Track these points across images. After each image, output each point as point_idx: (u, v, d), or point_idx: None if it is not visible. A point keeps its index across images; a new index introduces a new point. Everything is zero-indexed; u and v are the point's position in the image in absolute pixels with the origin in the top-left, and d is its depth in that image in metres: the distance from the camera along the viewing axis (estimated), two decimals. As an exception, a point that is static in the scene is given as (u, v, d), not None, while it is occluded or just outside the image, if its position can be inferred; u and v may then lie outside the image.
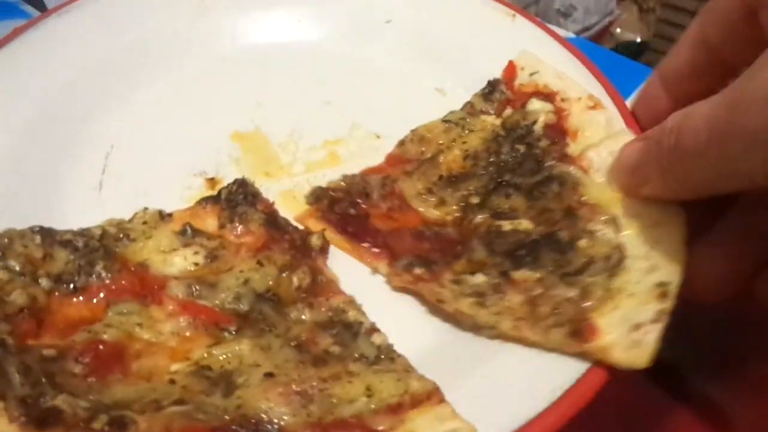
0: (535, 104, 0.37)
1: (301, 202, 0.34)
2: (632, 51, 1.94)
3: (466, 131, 0.37)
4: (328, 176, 0.36)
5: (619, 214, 0.30)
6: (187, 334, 0.26)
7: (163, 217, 0.31)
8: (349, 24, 0.44)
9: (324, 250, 0.32)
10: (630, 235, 0.30)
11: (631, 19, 1.90)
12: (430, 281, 0.30)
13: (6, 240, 0.27)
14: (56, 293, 0.27)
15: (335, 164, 0.36)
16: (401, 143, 0.36)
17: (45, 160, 0.34)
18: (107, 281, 0.28)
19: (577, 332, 0.27)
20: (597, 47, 0.54)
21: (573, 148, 0.34)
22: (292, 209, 0.34)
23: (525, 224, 0.32)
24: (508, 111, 0.38)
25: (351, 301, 0.29)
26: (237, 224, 0.31)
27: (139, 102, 0.38)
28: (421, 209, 0.34)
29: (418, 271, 0.30)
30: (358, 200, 0.34)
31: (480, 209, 0.33)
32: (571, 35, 0.54)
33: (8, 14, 0.51)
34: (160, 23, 0.41)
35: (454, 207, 0.34)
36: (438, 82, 0.42)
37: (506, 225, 0.32)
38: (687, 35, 0.34)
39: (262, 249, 0.30)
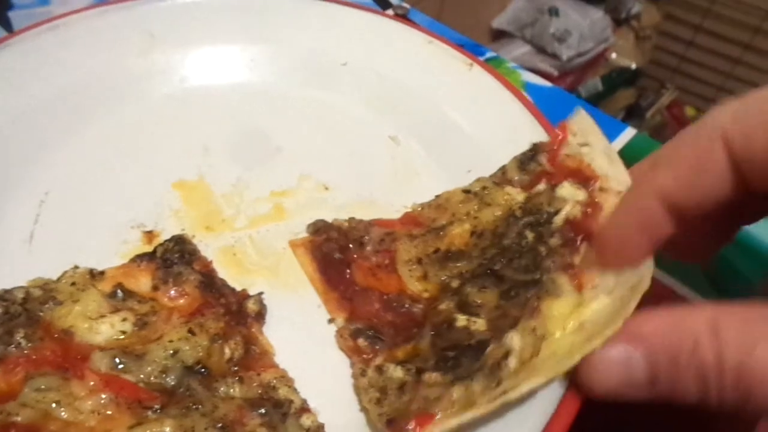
0: (566, 189, 0.31)
1: (241, 259, 0.33)
2: (626, 77, 1.96)
3: (484, 204, 0.34)
4: (271, 231, 0.35)
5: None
6: (108, 412, 0.25)
7: (94, 275, 0.30)
8: (305, 65, 0.43)
9: (260, 315, 0.31)
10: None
11: (626, 46, 1.92)
12: (364, 359, 0.29)
13: None
14: (-29, 365, 0.26)
15: (280, 218, 0.36)
16: (421, 205, 0.35)
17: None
18: (27, 351, 0.27)
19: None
20: (569, 96, 0.54)
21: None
22: (231, 268, 0.33)
23: (479, 325, 0.29)
24: (540, 186, 0.32)
25: (283, 376, 0.28)
26: (171, 286, 0.30)
27: (80, 144, 0.37)
28: (404, 277, 0.33)
29: (361, 342, 0.30)
30: (350, 245, 0.33)
31: (452, 295, 0.31)
32: (547, 84, 0.54)
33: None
34: (105, 60, 0.39)
35: (434, 285, 0.32)
36: (392, 130, 0.41)
37: (462, 320, 0.29)
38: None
39: (196, 314, 0.29)
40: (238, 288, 0.32)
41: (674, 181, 0.26)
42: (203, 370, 0.27)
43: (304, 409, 0.27)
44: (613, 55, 1.87)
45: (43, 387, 0.25)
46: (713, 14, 1.87)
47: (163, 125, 0.39)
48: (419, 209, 0.35)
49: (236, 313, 0.30)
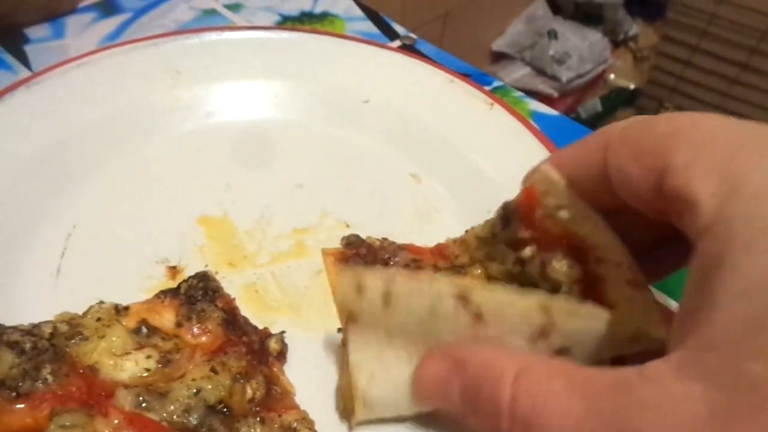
0: (558, 265, 0.28)
1: (263, 296, 0.34)
2: (625, 97, 1.98)
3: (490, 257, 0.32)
4: (293, 268, 0.35)
5: None
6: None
7: (119, 310, 0.31)
8: (327, 102, 0.44)
9: (282, 355, 0.31)
10: None
11: (625, 67, 1.94)
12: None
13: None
14: (-2, 399, 0.26)
15: (301, 255, 0.36)
16: (454, 240, 0.34)
17: (3, 238, 0.34)
18: (54, 387, 0.27)
19: None
20: (576, 125, 0.54)
21: None
22: (253, 305, 0.33)
23: None
24: (528, 251, 0.29)
25: (304, 418, 0.28)
26: (195, 323, 0.31)
27: (106, 178, 0.38)
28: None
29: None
30: (376, 263, 0.33)
31: None
32: (553, 113, 0.54)
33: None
34: (132, 96, 0.40)
35: None
36: (413, 168, 0.42)
37: None
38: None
39: (218, 351, 0.30)
40: (261, 326, 0.32)
41: (567, 159, 0.28)
42: (225, 409, 0.28)
43: (325, 450, 0.27)
44: (612, 76, 1.89)
45: (68, 424, 0.26)
46: (710, 35, 1.89)
47: (187, 160, 0.39)
48: (451, 241, 0.34)
49: (258, 352, 0.30)
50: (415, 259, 0.33)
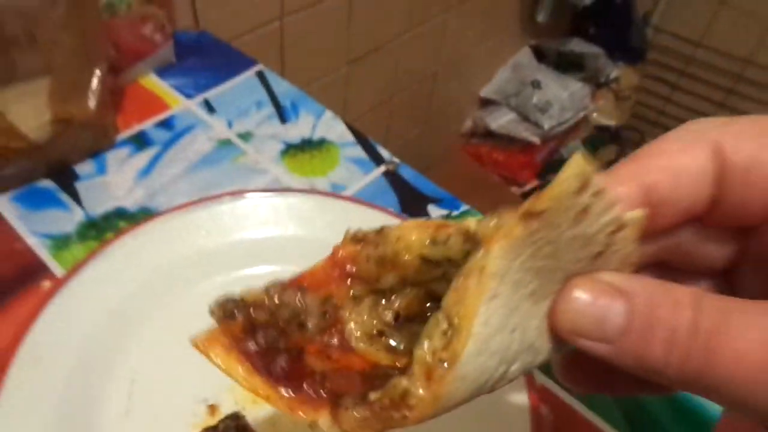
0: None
1: (284, 429, 0.45)
2: (607, 136, 2.10)
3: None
4: (301, 401, 0.47)
5: None
6: None
7: (175, 449, 0.42)
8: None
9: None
10: None
11: (607, 106, 2.06)
12: (387, 408, 0.24)
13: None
14: None
15: (307, 389, 0.48)
16: (355, 238, 0.28)
17: (88, 387, 0.45)
18: None
19: None
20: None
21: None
22: (271, 435, 0.45)
23: None
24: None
25: None
26: (230, 454, 0.42)
27: (158, 330, 0.49)
28: (368, 356, 0.28)
29: (373, 396, 0.24)
30: (288, 330, 0.27)
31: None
32: None
33: (46, 203, 0.62)
34: (172, 256, 0.52)
35: (404, 351, 0.28)
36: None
37: None
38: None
39: (249, 479, 0.41)
40: (278, 453, 0.44)
41: (657, 168, 0.25)
42: None
43: None
44: (594, 115, 2.01)
45: None
46: (689, 75, 2.02)
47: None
48: (353, 247, 0.28)
49: (277, 477, 0.42)
50: (324, 300, 0.28)
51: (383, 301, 0.29)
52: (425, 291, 0.29)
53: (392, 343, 0.29)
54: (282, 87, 0.78)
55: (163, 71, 0.77)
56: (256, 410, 0.46)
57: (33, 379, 0.44)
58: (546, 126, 1.76)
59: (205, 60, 0.80)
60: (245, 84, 0.78)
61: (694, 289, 0.23)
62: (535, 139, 1.78)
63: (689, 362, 0.22)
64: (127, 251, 0.51)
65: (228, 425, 0.43)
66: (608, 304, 0.23)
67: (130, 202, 0.63)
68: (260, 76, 0.79)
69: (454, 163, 1.84)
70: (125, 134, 0.69)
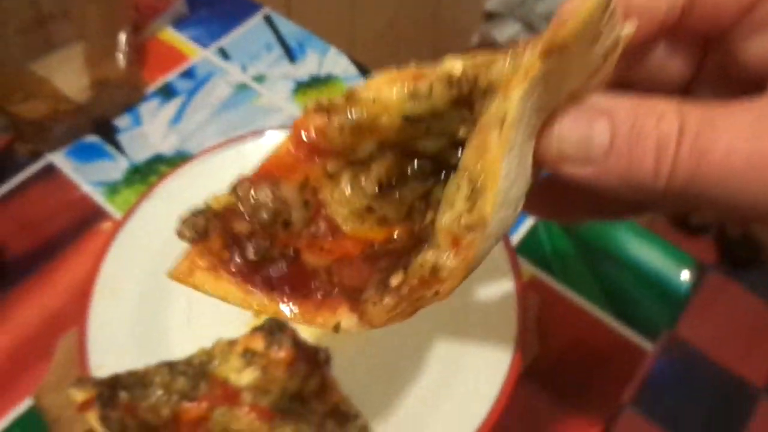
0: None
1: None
2: None
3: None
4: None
5: None
6: (256, 424, 0.48)
7: (231, 343, 0.53)
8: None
9: (328, 360, 0.53)
10: None
11: None
12: (417, 288, 0.23)
13: (151, 376, 0.49)
14: (182, 404, 0.49)
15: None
16: (320, 108, 0.26)
17: (155, 306, 0.56)
18: (207, 394, 0.50)
19: None
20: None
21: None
22: (306, 332, 0.55)
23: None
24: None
25: (345, 400, 0.51)
26: (276, 345, 0.53)
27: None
28: (360, 235, 0.26)
29: (395, 281, 0.23)
30: (275, 231, 0.25)
31: (426, 209, 0.26)
32: None
33: (95, 155, 0.71)
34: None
35: (399, 216, 0.27)
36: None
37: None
38: None
39: (292, 363, 0.52)
40: (313, 344, 0.54)
41: None
42: (299, 396, 0.50)
43: (357, 415, 0.50)
44: None
45: (221, 413, 0.49)
46: None
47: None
48: (319, 119, 0.26)
49: (313, 360, 0.53)
50: (301, 186, 0.26)
51: (361, 172, 0.27)
52: (402, 150, 0.26)
53: (384, 214, 0.26)
54: (288, 28, 0.85)
55: (178, 24, 0.84)
56: (292, 312, 0.56)
57: (111, 303, 0.55)
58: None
59: (215, 9, 0.86)
60: (254, 28, 0.85)
61: (675, 98, 0.23)
62: (542, 48, 1.80)
63: (679, 169, 0.22)
64: (170, 191, 0.60)
65: (271, 324, 0.54)
66: (591, 125, 0.23)
67: (166, 148, 0.72)
68: (267, 19, 0.86)
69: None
70: (153, 87, 0.77)
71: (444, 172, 0.26)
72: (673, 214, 1.79)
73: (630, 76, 0.29)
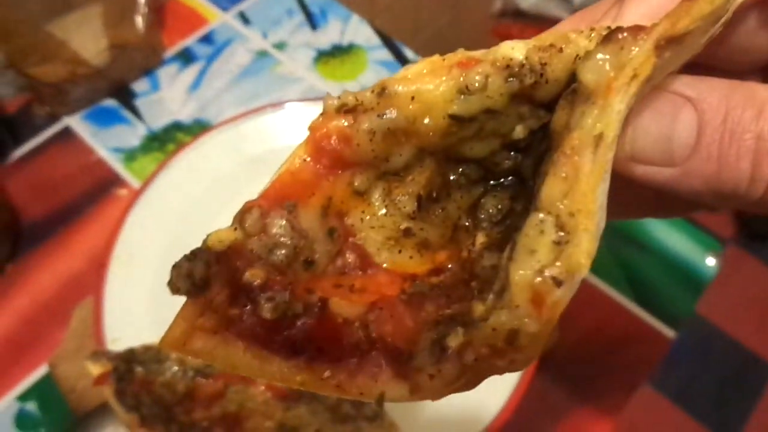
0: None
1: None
2: None
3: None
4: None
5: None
6: (271, 403, 0.48)
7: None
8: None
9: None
10: None
11: None
12: (487, 358, 0.18)
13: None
14: (197, 381, 0.49)
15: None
16: (344, 107, 0.21)
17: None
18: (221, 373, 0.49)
19: None
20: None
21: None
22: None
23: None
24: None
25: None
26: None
27: (222, 223, 0.58)
28: (398, 268, 0.21)
29: (454, 342, 0.18)
30: (290, 274, 0.20)
31: (474, 227, 0.22)
32: None
33: (112, 120, 0.70)
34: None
35: (441, 242, 0.22)
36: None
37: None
38: None
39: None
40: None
41: None
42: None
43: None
44: None
45: (236, 390, 0.48)
46: None
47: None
48: (340, 122, 0.21)
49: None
50: (324, 207, 0.21)
51: (396, 187, 0.22)
52: (445, 156, 0.22)
53: (425, 237, 0.21)
54: (310, -6, 0.82)
55: (199, -14, 0.81)
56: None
57: (128, 274, 0.54)
58: (576, 1, 1.74)
59: (236, -28, 0.84)
60: (275, -7, 0.82)
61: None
62: (566, 16, 1.76)
63: None
64: (189, 162, 0.60)
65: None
66: (675, 118, 0.19)
67: (185, 115, 0.70)
68: (289, -16, 0.83)
69: (486, 48, 1.84)
70: (171, 51, 0.76)
71: (493, 180, 0.22)
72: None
73: (710, 56, 0.23)
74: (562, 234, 0.17)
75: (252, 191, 0.62)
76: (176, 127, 0.69)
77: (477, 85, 0.20)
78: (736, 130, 0.18)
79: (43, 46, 0.62)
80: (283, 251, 0.19)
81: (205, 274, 0.19)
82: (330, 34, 0.78)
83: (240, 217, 0.20)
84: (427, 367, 0.19)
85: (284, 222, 0.20)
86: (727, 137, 0.19)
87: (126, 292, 0.54)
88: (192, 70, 0.74)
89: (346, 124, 0.20)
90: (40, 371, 0.54)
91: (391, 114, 0.20)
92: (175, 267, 0.20)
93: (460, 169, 0.22)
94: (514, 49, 0.20)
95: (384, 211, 0.22)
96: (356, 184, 0.21)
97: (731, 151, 0.18)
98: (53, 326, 0.56)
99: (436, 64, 0.20)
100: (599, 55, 0.18)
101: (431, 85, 0.20)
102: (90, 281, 0.56)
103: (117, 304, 0.53)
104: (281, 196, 0.20)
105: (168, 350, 0.21)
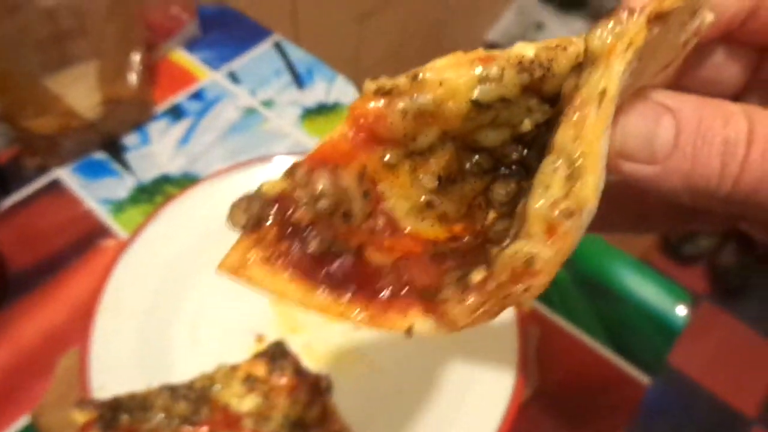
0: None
1: (317, 352, 0.56)
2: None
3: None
4: (337, 331, 0.57)
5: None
6: (255, 451, 0.48)
7: (233, 368, 0.53)
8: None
9: (329, 388, 0.54)
10: None
11: None
12: (507, 283, 0.21)
13: (152, 398, 0.49)
14: (182, 429, 0.49)
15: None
16: (381, 91, 0.24)
17: (159, 326, 0.56)
18: (208, 418, 0.50)
19: None
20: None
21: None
22: (308, 359, 0.56)
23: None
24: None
25: (346, 428, 0.51)
26: (278, 372, 0.53)
27: (210, 276, 0.59)
28: (421, 233, 0.25)
29: (477, 277, 0.21)
30: (333, 223, 0.23)
31: (486, 206, 0.25)
32: None
33: (102, 172, 0.72)
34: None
35: (458, 215, 0.25)
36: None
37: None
38: None
39: (293, 390, 0.52)
40: (314, 371, 0.54)
41: None
42: (301, 423, 0.50)
43: (357, 446, 0.50)
44: None
45: (222, 439, 0.49)
46: None
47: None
48: (377, 103, 0.24)
49: (315, 388, 0.53)
50: (360, 175, 0.24)
51: (420, 165, 0.25)
52: (463, 143, 0.25)
53: (444, 210, 0.25)
54: (297, 55, 0.86)
55: (190, 46, 0.85)
56: (294, 338, 0.56)
57: (114, 324, 0.55)
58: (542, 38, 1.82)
59: (227, 32, 0.88)
60: (265, 54, 0.86)
61: (742, 103, 0.22)
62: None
63: (748, 173, 0.21)
64: (177, 214, 0.61)
65: (273, 350, 0.54)
66: (657, 120, 0.22)
67: (174, 168, 0.72)
68: (277, 46, 0.87)
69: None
70: (162, 107, 0.78)
71: (503, 169, 0.25)
72: (665, 244, 1.81)
73: (683, 81, 0.28)
74: (572, 171, 0.20)
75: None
76: (165, 179, 0.71)
77: (495, 75, 0.23)
78: (707, 134, 0.22)
79: (38, 100, 0.64)
80: (327, 200, 0.23)
81: (260, 213, 0.22)
82: (316, 93, 0.81)
83: (290, 171, 0.23)
84: (452, 298, 0.21)
85: (327, 178, 0.23)
86: (700, 140, 0.22)
87: (112, 341, 0.54)
88: (182, 126, 0.77)
89: (382, 104, 0.24)
90: (22, 422, 0.54)
91: (423, 97, 0.23)
92: (235, 204, 0.23)
93: (475, 158, 0.25)
94: (526, 48, 0.23)
95: (410, 184, 0.25)
96: (387, 157, 0.24)
97: (703, 152, 0.22)
98: (37, 377, 0.56)
99: (460, 58, 0.24)
100: (603, 28, 0.21)
101: (456, 74, 0.23)
102: (75, 332, 0.56)
103: (103, 353, 0.53)
104: (324, 160, 0.23)
105: (226, 273, 0.23)
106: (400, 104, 0.23)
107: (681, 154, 0.22)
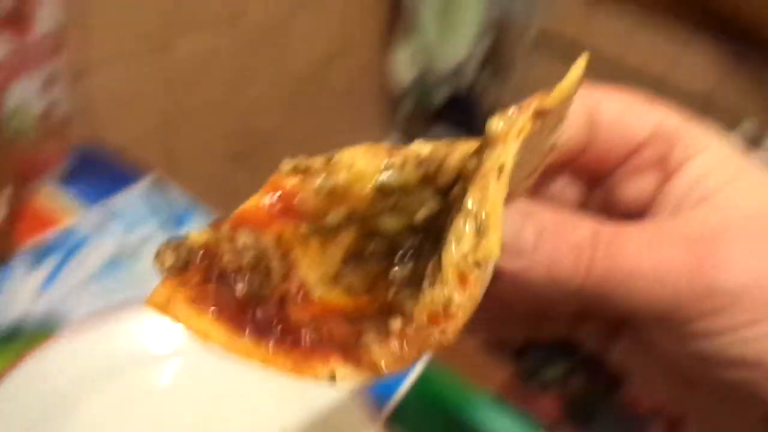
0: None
1: None
2: None
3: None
4: None
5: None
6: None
7: None
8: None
9: None
10: None
11: None
12: (425, 327, 0.23)
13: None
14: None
15: None
16: (297, 169, 0.26)
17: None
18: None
19: None
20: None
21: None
22: None
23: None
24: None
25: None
26: None
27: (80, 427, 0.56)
28: (329, 299, 0.26)
29: (396, 325, 0.23)
30: (261, 276, 0.24)
31: (388, 285, 0.27)
32: None
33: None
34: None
35: (365, 290, 0.27)
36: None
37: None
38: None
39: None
40: None
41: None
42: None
43: None
44: None
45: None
46: None
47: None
48: (294, 179, 0.26)
49: None
50: (277, 240, 0.26)
51: (329, 241, 0.27)
52: (364, 227, 0.27)
53: (350, 282, 0.27)
54: (174, 194, 0.87)
55: (62, 183, 0.83)
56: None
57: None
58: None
59: (102, 170, 0.87)
60: (141, 192, 0.86)
61: (590, 218, 0.27)
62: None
63: (595, 268, 0.26)
64: (36, 368, 0.58)
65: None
66: (523, 221, 0.26)
67: (36, 312, 0.68)
68: (154, 184, 0.87)
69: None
70: (28, 245, 0.75)
71: (400, 253, 0.28)
72: (522, 373, 1.88)
73: (536, 197, 0.33)
74: (479, 228, 0.23)
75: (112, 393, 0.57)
76: (24, 324, 0.67)
77: (398, 164, 0.26)
78: (561, 236, 0.26)
79: None
80: (250, 254, 0.24)
81: (186, 258, 0.23)
82: (193, 234, 0.82)
83: (214, 225, 0.25)
84: (372, 343, 0.23)
85: (249, 236, 0.25)
86: (557, 240, 0.26)
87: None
88: (47, 266, 0.73)
89: (297, 180, 0.26)
90: None
91: (335, 177, 0.26)
92: (163, 246, 0.24)
93: (373, 246, 0.28)
94: (423, 147, 0.27)
95: (320, 256, 0.27)
96: (301, 230, 0.27)
97: (560, 250, 0.26)
98: None
99: (371, 148, 0.27)
100: (500, 117, 0.24)
101: (365, 160, 0.26)
102: None
103: None
104: (245, 222, 0.25)
105: (153, 309, 0.23)
106: (315, 182, 0.26)
107: (541, 251, 0.26)
